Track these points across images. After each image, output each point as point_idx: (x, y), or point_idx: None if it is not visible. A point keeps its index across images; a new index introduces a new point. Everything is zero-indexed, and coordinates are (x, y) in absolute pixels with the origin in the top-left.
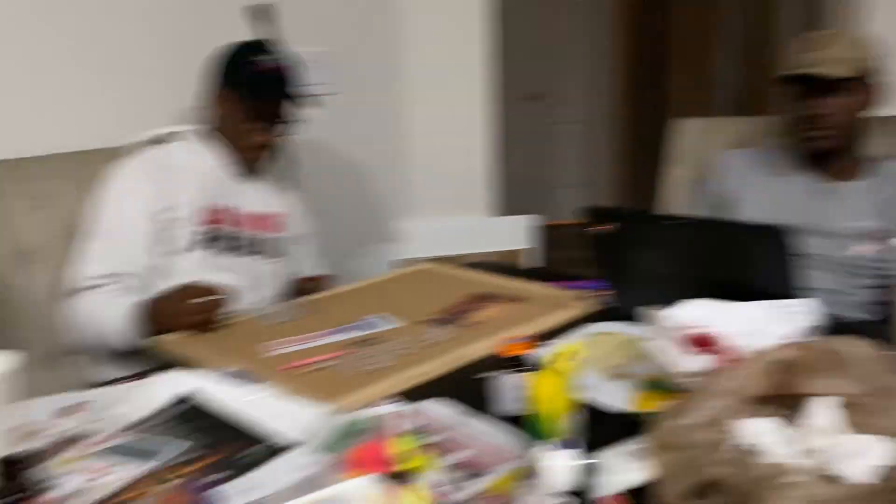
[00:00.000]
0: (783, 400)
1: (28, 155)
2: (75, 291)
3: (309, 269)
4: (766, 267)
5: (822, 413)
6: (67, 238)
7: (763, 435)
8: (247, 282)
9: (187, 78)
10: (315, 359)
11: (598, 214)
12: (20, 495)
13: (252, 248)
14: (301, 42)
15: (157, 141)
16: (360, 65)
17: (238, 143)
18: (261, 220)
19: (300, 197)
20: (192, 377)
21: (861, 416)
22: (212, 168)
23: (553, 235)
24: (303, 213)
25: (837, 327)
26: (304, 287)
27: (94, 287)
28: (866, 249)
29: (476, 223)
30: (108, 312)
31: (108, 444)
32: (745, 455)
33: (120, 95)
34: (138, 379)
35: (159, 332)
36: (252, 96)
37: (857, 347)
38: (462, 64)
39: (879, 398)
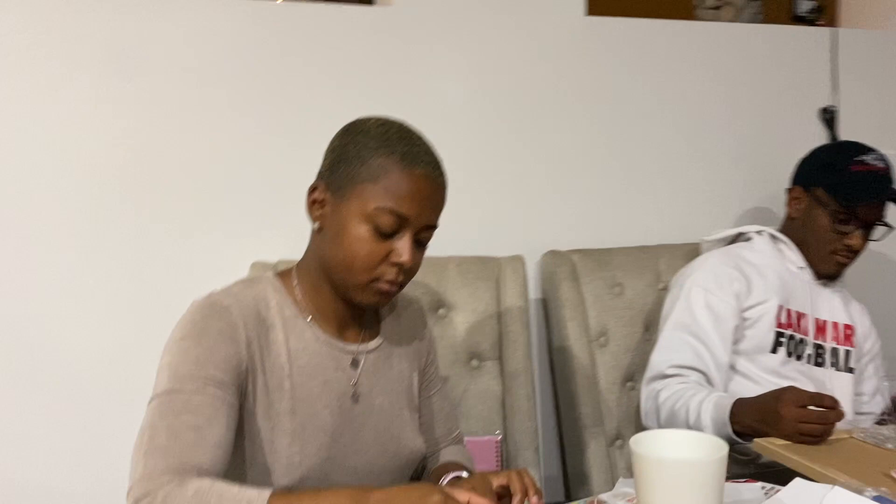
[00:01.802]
0: None
1: (609, 246)
2: (658, 377)
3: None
4: None
5: None
6: (630, 324)
7: None
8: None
9: (759, 178)
10: None
11: None
12: None
13: (826, 358)
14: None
15: (735, 239)
16: None
17: (820, 246)
18: (834, 330)
19: (867, 310)
20: (829, 492)
21: None
22: (789, 270)
23: None
24: (870, 328)
25: None
26: None
27: (676, 375)
28: None
29: None
30: (693, 402)
31: None
32: None
33: (692, 195)
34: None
35: (753, 432)
36: (849, 198)
37: None
38: None
39: None
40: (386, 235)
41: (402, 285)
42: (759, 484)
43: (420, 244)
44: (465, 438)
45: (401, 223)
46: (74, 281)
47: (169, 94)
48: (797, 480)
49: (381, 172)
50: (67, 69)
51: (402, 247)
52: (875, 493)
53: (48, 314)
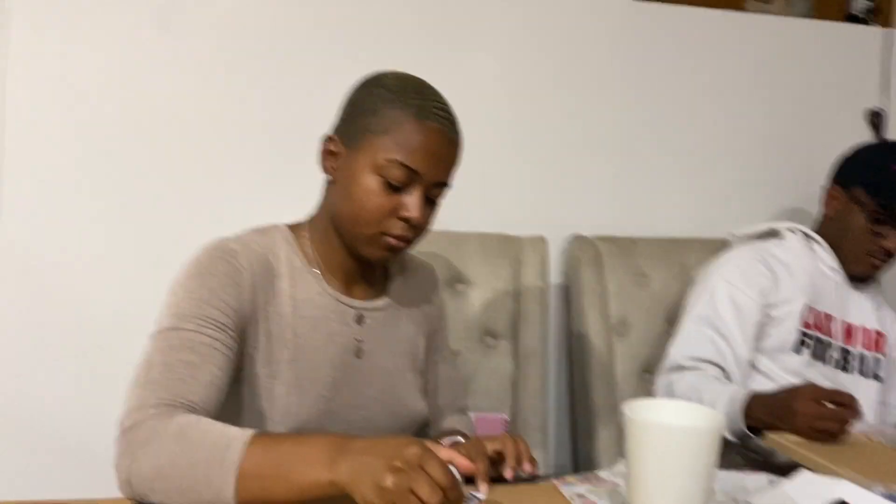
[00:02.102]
0: None
1: (634, 236)
2: (675, 368)
3: None
4: None
5: None
6: (652, 316)
7: None
8: None
9: (799, 178)
10: None
11: None
12: None
13: (853, 363)
14: None
15: (766, 235)
16: None
17: (854, 246)
18: (865, 335)
19: None
20: (836, 485)
21: None
22: (820, 270)
23: None
24: None
25: None
26: None
27: (693, 368)
28: None
29: None
30: (708, 394)
31: None
32: None
33: (727, 189)
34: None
35: (767, 428)
36: (889, 198)
37: None
38: None
39: None
40: (396, 189)
41: (410, 242)
42: (765, 476)
43: (431, 202)
44: (472, 414)
45: (411, 177)
46: (97, 227)
47: (205, 48)
48: (803, 473)
49: (394, 124)
50: (106, 18)
51: (412, 202)
52: (886, 492)
53: (76, 257)
